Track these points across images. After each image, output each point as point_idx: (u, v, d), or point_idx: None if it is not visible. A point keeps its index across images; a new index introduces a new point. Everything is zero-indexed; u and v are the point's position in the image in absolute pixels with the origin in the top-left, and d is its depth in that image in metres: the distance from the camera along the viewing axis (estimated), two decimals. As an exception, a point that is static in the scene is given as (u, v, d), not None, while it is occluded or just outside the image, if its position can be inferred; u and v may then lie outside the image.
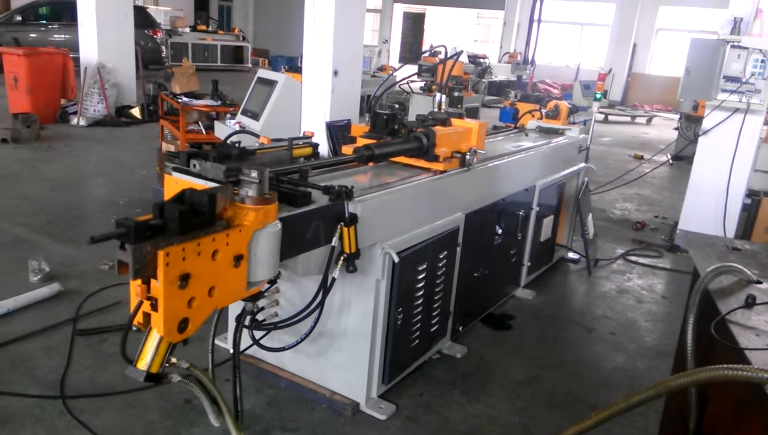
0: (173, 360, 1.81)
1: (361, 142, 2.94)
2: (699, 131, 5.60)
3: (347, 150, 2.86)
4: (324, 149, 4.79)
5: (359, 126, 3.24)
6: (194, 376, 1.88)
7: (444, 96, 3.64)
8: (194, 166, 1.98)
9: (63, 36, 14.55)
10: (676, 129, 10.68)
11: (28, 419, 2.60)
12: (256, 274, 1.96)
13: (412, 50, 25.30)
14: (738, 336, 1.62)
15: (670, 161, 9.93)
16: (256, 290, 2.05)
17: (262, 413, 2.78)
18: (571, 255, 5.13)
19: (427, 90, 9.72)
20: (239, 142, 2.37)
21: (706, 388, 1.85)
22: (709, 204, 5.43)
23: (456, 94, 7.95)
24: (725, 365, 1.34)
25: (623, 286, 4.72)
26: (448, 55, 3.94)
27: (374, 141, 2.94)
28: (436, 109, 3.43)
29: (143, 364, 1.74)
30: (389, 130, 3.05)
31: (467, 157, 3.16)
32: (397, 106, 3.13)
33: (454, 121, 3.25)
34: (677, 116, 11.72)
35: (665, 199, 7.68)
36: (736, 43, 5.12)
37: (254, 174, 1.85)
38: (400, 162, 3.10)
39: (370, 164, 3.00)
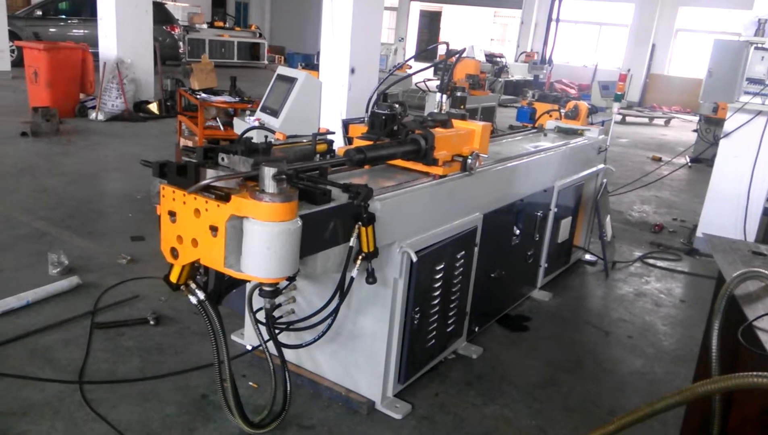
0: (199, 294, 2.21)
1: (358, 143, 2.81)
2: (719, 133, 5.54)
3: (341, 151, 2.73)
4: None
5: (359, 126, 3.13)
6: (206, 310, 2.24)
7: (445, 96, 3.48)
8: (222, 159, 2.05)
9: (82, 31, 14.71)
10: (695, 131, 10.57)
11: (47, 410, 2.63)
12: (250, 267, 1.98)
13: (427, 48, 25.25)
14: (766, 343, 1.60)
15: (689, 164, 9.83)
16: (246, 277, 2.05)
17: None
18: (588, 257, 5.09)
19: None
20: (252, 138, 2.37)
21: (731, 395, 1.82)
22: (729, 208, 5.37)
23: (459, 94, 7.75)
24: (755, 373, 1.31)
25: (641, 289, 4.67)
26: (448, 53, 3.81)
27: (371, 142, 2.79)
28: (436, 110, 3.28)
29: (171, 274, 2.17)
30: (388, 131, 2.88)
31: (469, 161, 3.00)
32: (397, 105, 2.96)
33: (456, 122, 3.11)
34: (696, 118, 11.59)
35: (684, 202, 7.60)
36: (760, 45, 5.05)
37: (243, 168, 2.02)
38: (397, 165, 2.97)
39: (366, 167, 2.87)
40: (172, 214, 2.05)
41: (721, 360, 1.83)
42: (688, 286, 4.88)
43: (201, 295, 2.22)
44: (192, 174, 1.99)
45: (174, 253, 2.09)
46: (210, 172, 1.99)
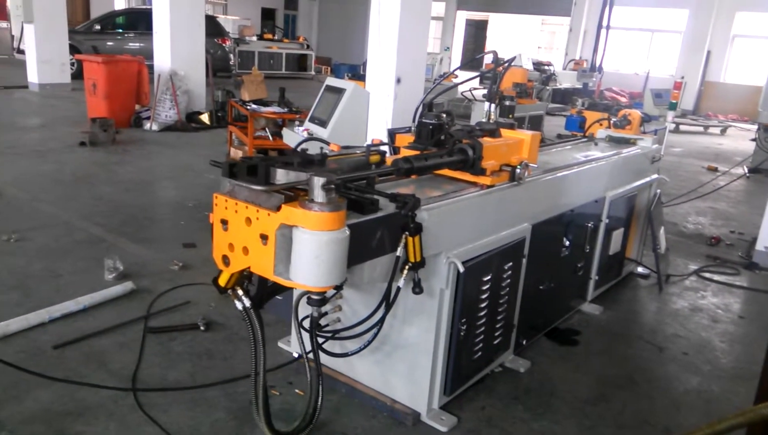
0: (245, 301, 2.24)
1: (405, 153, 2.80)
2: (781, 143, 5.30)
3: (388, 161, 2.71)
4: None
5: (405, 136, 3.09)
6: (250, 318, 2.27)
7: (494, 105, 3.44)
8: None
9: (138, 44, 15.25)
10: (754, 140, 10.17)
11: (102, 413, 2.70)
12: (298, 275, 1.99)
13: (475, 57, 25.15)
14: (837, 364, 1.51)
15: (747, 174, 9.46)
16: (295, 285, 2.05)
17: (323, 418, 2.79)
18: (640, 270, 4.94)
19: (490, 98, 9.59)
20: (307, 149, 2.40)
21: (798, 418, 1.73)
22: (791, 220, 5.14)
23: (507, 103, 7.61)
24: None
25: (696, 304, 4.50)
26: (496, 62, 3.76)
27: (417, 152, 2.76)
28: (485, 119, 3.24)
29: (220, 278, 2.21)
30: (435, 141, 2.86)
31: (518, 171, 2.96)
32: (444, 115, 2.95)
33: (504, 132, 3.07)
34: (755, 127, 11.16)
35: (742, 214, 7.31)
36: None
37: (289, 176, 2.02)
38: (444, 175, 2.94)
39: (413, 177, 2.84)
40: (224, 222, 2.09)
41: (787, 381, 1.74)
42: (747, 302, 4.68)
43: (247, 302, 2.26)
44: (263, 173, 2.01)
45: (225, 260, 2.13)
46: (281, 172, 2.01)
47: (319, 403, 2.52)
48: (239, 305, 2.27)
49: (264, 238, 1.98)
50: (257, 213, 1.99)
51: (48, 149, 7.65)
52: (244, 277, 2.23)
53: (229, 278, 2.19)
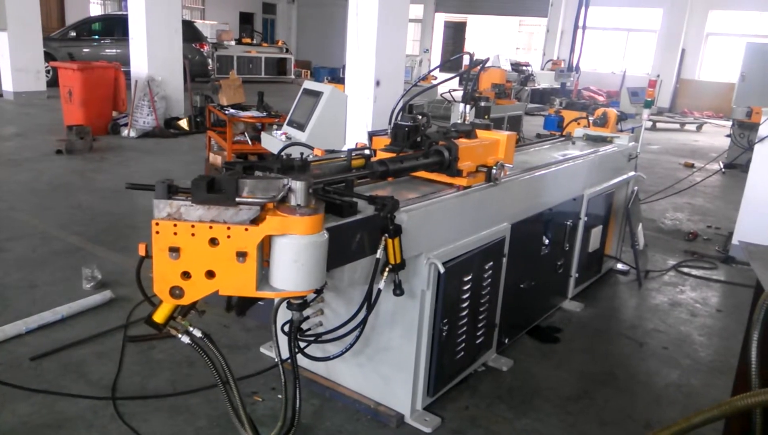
0: (187, 326, 2.10)
1: (381, 155, 2.79)
2: (753, 138, 5.40)
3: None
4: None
5: (383, 138, 3.08)
6: (202, 347, 2.13)
7: (469, 106, 3.44)
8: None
9: (115, 50, 15.09)
10: (729, 136, 10.35)
11: (81, 424, 2.67)
12: (278, 280, 1.94)
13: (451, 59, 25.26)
14: (809, 354, 1.54)
15: (723, 169, 9.61)
16: (278, 295, 2.00)
17: (307, 422, 2.78)
18: (620, 266, 5.00)
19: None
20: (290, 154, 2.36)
21: (773, 409, 1.76)
22: (766, 214, 5.22)
23: (483, 103, 7.64)
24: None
25: (675, 299, 4.56)
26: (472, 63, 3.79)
27: (393, 154, 2.75)
28: (460, 120, 3.25)
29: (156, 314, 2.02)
30: (411, 143, 2.85)
31: (493, 171, 2.97)
32: (420, 116, 2.95)
33: (480, 132, 3.08)
34: (729, 123, 11.35)
35: (718, 209, 7.42)
36: (794, 47, 4.93)
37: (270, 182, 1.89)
38: (421, 177, 2.94)
39: (390, 180, 2.84)
40: (174, 250, 1.88)
41: (761, 372, 1.77)
42: (725, 295, 4.75)
43: (198, 333, 2.10)
44: (232, 188, 1.83)
45: (176, 292, 1.93)
46: (250, 183, 1.86)
47: (298, 406, 2.48)
48: (186, 339, 2.11)
49: (241, 255, 1.85)
50: (228, 231, 1.83)
51: (24, 158, 7.53)
52: (191, 307, 2.08)
53: (172, 311, 2.05)
